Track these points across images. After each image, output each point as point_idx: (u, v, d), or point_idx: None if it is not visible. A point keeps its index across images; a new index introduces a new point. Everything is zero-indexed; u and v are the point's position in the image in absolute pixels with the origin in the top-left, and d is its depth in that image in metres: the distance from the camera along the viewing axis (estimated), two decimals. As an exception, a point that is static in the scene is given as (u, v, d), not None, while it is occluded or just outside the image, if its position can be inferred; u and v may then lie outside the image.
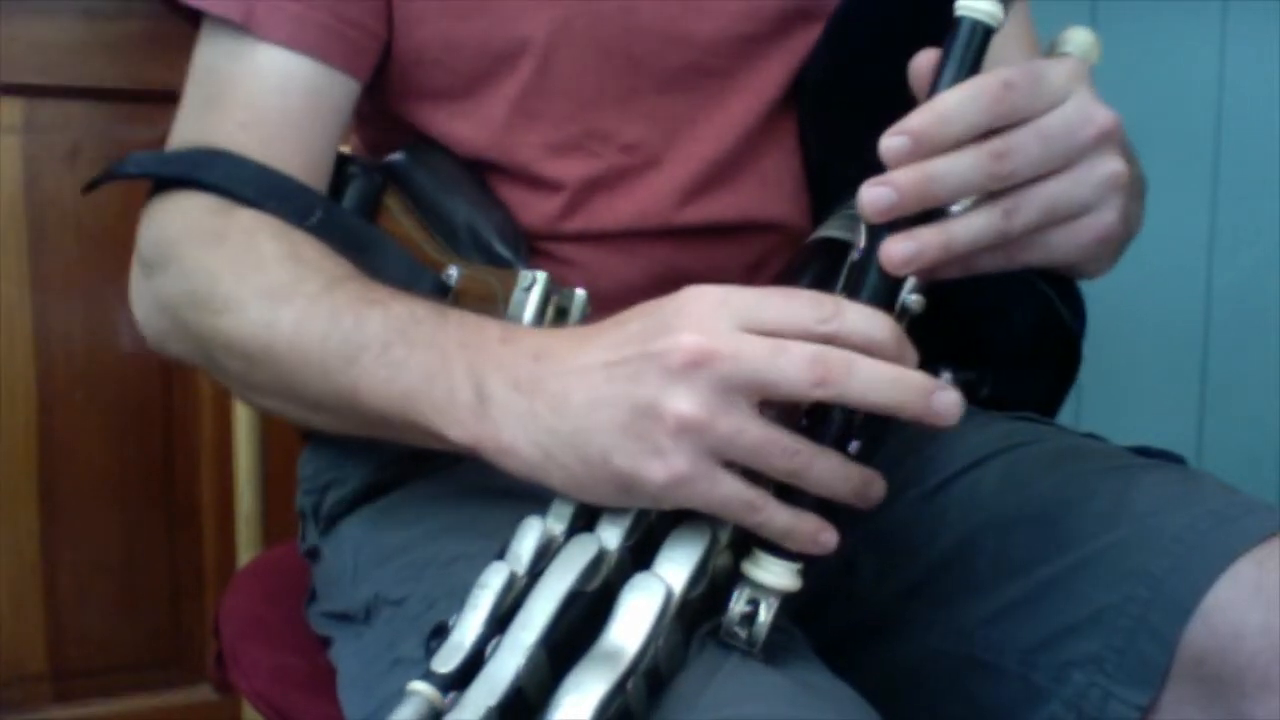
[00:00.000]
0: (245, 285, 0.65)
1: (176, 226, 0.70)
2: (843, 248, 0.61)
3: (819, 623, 0.62)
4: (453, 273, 0.72)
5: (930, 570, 0.71)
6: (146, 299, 0.72)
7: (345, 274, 0.65)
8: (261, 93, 0.72)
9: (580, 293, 0.70)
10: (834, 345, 0.51)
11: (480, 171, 0.78)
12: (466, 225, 0.76)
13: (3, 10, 1.28)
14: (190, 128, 0.74)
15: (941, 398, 0.52)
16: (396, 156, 0.79)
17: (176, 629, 1.44)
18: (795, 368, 0.50)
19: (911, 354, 0.53)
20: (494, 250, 0.75)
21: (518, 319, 0.69)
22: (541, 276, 0.69)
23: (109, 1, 1.33)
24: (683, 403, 0.50)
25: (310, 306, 0.62)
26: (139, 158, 0.75)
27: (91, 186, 0.78)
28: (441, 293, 0.71)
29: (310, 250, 0.66)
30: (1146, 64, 1.66)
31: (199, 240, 0.68)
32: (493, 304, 0.70)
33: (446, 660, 0.50)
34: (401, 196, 0.77)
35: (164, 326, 0.71)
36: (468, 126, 0.77)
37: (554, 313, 0.70)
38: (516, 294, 0.69)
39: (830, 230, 0.68)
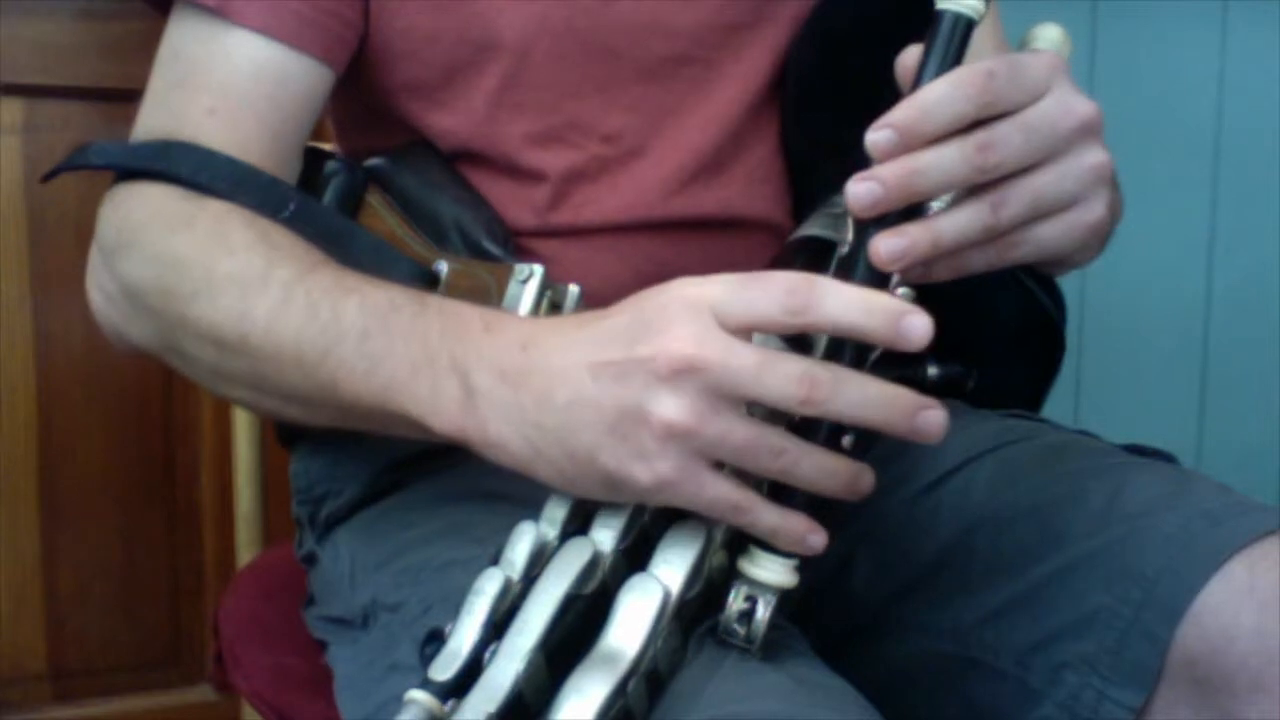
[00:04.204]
0: (216, 271, 0.63)
1: (143, 211, 0.68)
2: (825, 246, 0.61)
3: (813, 624, 0.62)
4: (442, 266, 0.71)
5: (924, 570, 0.71)
6: (106, 285, 0.70)
7: (319, 260, 0.63)
8: (232, 78, 0.70)
9: (574, 288, 0.70)
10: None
11: (464, 165, 0.78)
12: (454, 223, 0.75)
13: (3, 10, 1.28)
14: (157, 113, 0.72)
15: (927, 416, 0.51)
16: (378, 160, 0.78)
17: (176, 629, 1.44)
18: (782, 384, 0.49)
19: (920, 323, 0.50)
20: (483, 247, 0.74)
21: (513, 312, 0.68)
22: (538, 269, 0.69)
23: (109, 2, 1.32)
24: (669, 409, 0.50)
25: (285, 295, 0.61)
26: (104, 147, 0.72)
27: (50, 176, 0.75)
28: (429, 285, 0.70)
29: (282, 237, 0.65)
30: (1146, 64, 1.66)
31: (166, 224, 0.66)
32: (484, 298, 0.69)
33: (444, 668, 0.50)
34: (384, 194, 0.76)
35: (125, 313, 0.69)
36: (448, 118, 0.77)
37: (547, 307, 0.69)
38: (512, 286, 0.69)
39: (812, 229, 0.67)
